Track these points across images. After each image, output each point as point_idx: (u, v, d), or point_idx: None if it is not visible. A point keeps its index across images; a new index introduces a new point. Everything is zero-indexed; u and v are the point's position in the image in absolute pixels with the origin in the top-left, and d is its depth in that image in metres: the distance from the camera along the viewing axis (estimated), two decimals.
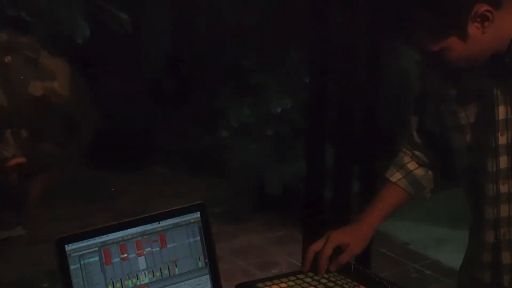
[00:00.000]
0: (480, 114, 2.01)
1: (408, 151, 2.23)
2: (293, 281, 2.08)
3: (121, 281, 1.85)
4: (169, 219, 1.93)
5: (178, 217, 1.94)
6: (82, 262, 1.80)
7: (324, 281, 2.08)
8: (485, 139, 2.02)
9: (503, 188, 2.03)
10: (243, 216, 4.79)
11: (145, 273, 1.89)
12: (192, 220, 1.96)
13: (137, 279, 1.88)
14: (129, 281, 1.87)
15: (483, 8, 1.82)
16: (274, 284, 2.05)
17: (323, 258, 2.10)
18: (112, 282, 1.84)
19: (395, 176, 2.22)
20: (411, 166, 2.22)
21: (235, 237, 4.53)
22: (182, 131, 5.62)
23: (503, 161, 2.01)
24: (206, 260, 1.97)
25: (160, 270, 1.91)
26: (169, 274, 1.92)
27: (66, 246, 1.78)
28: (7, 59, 1.20)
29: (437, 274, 4.13)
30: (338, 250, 2.13)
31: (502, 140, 1.99)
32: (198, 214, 1.97)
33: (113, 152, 5.23)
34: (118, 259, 1.85)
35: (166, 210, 1.95)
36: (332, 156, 3.87)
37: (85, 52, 4.39)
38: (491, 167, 2.02)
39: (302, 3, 3.95)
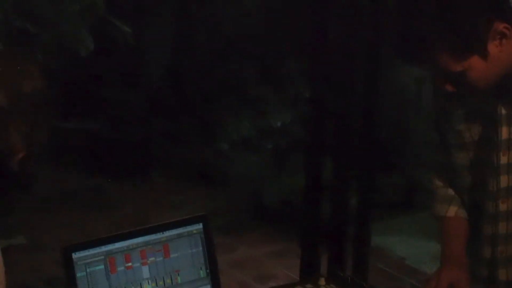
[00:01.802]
0: (484, 133, 2.05)
1: (446, 182, 2.22)
2: None
3: None
4: (172, 230, 1.98)
5: (181, 228, 1.99)
6: (88, 270, 1.84)
7: None
8: (487, 158, 2.05)
9: (502, 207, 2.07)
10: (241, 228, 4.80)
11: (148, 282, 1.93)
12: (194, 231, 2.01)
13: (141, 287, 1.91)
14: None
15: (501, 25, 1.83)
16: None
17: None
18: None
19: (452, 210, 2.20)
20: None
21: (233, 249, 4.54)
22: (182, 142, 5.65)
23: (503, 180, 2.04)
24: (207, 271, 2.01)
25: (163, 279, 1.95)
26: (172, 283, 1.96)
27: (73, 254, 1.82)
28: None
29: None
30: None
31: (503, 159, 2.03)
32: (200, 225, 2.01)
33: (114, 161, 5.27)
34: (123, 267, 1.89)
35: (169, 220, 1.99)
36: (331, 170, 3.89)
37: (88, 64, 4.44)
38: (491, 185, 2.06)
39: (302, 16, 3.98)
